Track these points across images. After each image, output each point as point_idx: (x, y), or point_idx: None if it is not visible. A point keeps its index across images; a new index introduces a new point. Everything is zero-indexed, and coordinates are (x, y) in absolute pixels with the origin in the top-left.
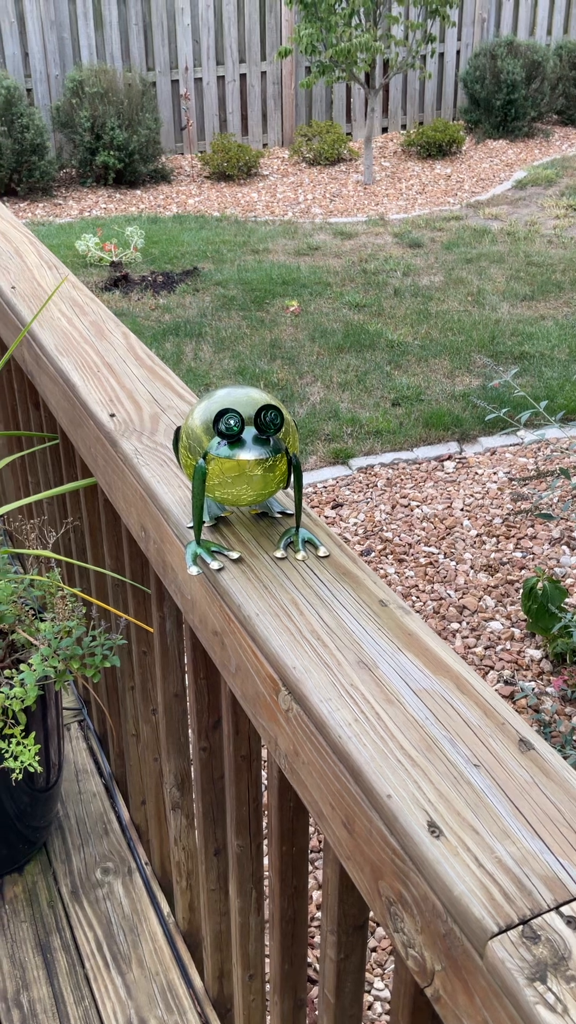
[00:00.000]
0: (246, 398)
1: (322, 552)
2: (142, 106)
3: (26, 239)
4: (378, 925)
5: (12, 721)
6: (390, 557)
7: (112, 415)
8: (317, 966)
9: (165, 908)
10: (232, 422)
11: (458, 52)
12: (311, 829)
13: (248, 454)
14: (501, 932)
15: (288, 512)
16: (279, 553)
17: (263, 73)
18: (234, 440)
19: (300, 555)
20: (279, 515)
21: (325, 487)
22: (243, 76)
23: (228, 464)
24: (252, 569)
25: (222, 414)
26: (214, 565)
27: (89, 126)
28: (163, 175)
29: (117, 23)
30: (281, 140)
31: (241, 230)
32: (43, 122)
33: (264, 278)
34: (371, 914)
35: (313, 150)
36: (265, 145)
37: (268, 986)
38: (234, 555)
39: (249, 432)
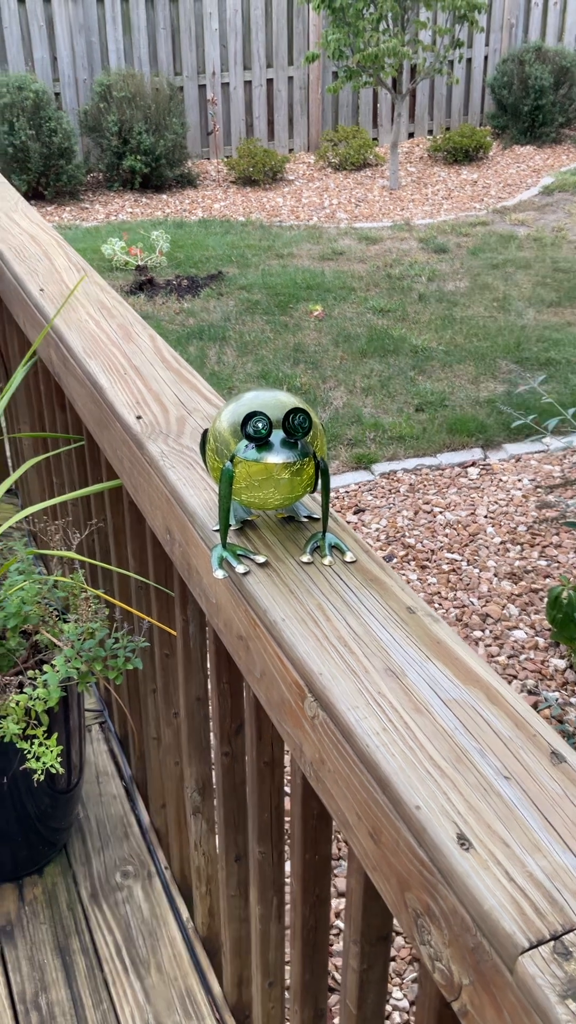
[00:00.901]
0: (274, 401)
1: (349, 557)
2: (169, 110)
3: (55, 242)
4: (398, 934)
5: (35, 722)
6: (412, 563)
7: (139, 417)
8: (337, 975)
9: (184, 913)
10: (260, 425)
11: (486, 57)
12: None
13: (276, 457)
14: (532, 948)
15: (315, 516)
16: (305, 558)
17: (290, 78)
18: (262, 443)
19: (327, 560)
20: (305, 519)
21: (347, 492)
22: (270, 81)
23: (255, 467)
24: (278, 573)
25: (250, 417)
26: (240, 569)
27: (116, 130)
28: (189, 179)
29: (145, 27)
30: (307, 145)
31: (266, 235)
32: (71, 126)
33: (288, 283)
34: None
35: (339, 155)
36: (291, 150)
37: (287, 994)
38: (260, 559)
39: (277, 435)
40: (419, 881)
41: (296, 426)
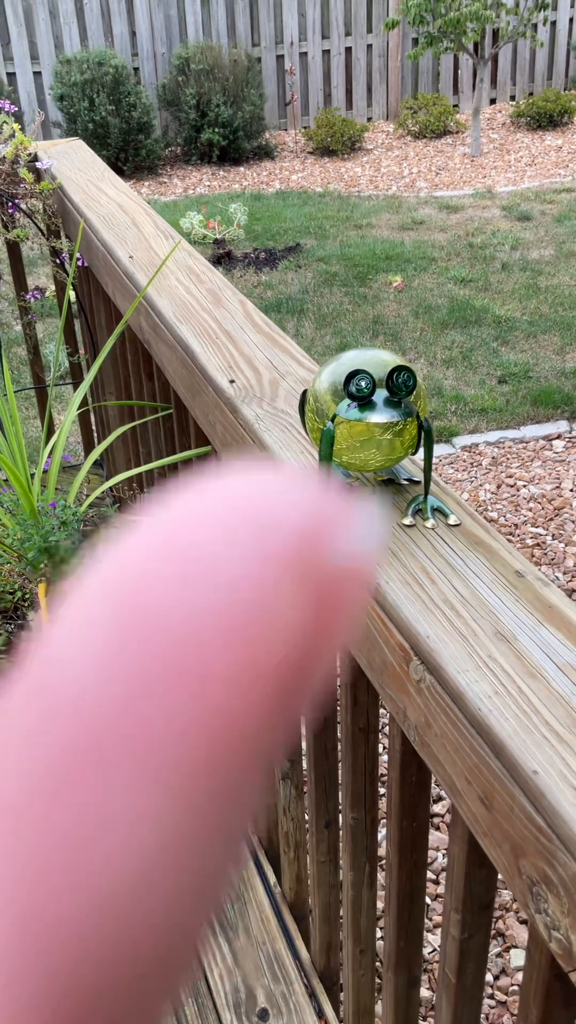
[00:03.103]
0: (376, 360)
1: (452, 520)
2: (247, 82)
3: (142, 210)
4: None
5: None
6: None
7: (232, 381)
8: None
9: (272, 878)
10: (363, 383)
11: (571, 20)
12: None
13: (379, 417)
14: None
15: (415, 480)
16: (407, 520)
17: (369, 46)
18: (364, 402)
19: (429, 523)
20: (405, 482)
21: None
22: (348, 49)
23: (358, 427)
24: None
25: (353, 375)
26: None
27: (194, 103)
28: (266, 151)
29: None
30: (386, 113)
31: (344, 205)
32: (149, 100)
33: (367, 253)
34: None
35: (419, 123)
36: (369, 119)
37: (379, 962)
38: None
39: (380, 394)
40: (535, 848)
41: (400, 384)
